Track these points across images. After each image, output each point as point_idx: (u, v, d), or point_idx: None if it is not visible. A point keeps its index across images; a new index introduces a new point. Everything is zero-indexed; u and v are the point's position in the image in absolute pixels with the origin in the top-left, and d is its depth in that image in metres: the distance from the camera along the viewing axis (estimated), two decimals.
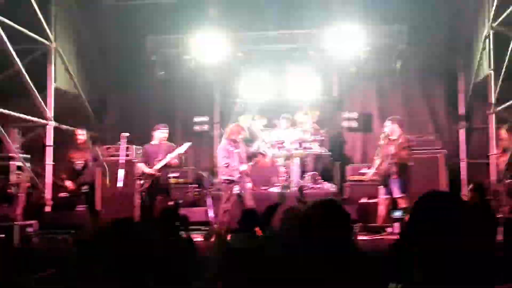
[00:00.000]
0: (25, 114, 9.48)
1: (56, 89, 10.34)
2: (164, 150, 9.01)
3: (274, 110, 11.56)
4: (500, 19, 9.09)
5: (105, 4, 11.79)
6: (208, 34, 11.02)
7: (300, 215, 2.73)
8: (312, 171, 10.69)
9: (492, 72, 9.42)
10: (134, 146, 10.19)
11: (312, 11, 11.34)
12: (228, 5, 11.34)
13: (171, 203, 8.77)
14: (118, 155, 9.12)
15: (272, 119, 11.38)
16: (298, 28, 11.43)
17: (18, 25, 9.19)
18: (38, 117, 9.87)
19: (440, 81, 11.73)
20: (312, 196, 9.12)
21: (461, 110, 11.32)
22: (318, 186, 10.52)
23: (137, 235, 3.08)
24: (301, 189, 9.71)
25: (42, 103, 9.83)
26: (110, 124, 12.23)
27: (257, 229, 6.27)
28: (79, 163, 9.25)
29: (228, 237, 6.43)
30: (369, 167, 9.44)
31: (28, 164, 9.34)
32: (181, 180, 10.80)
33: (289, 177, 10.43)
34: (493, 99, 9.41)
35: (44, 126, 10.06)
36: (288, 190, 9.97)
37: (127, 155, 9.36)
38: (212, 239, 8.05)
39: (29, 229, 8.30)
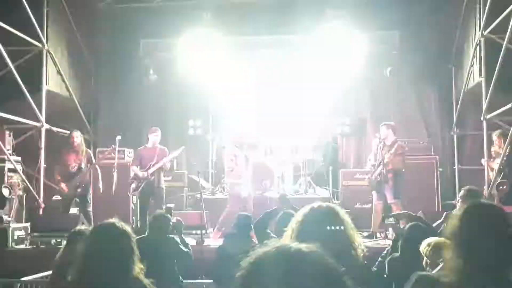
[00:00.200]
0: (17, 116, 9.43)
1: (48, 92, 10.28)
2: (157, 154, 9.00)
3: (268, 115, 11.58)
4: (491, 27, 9.17)
5: (98, 7, 11.77)
6: (201, 38, 11.02)
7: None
8: (305, 176, 10.71)
9: (483, 79, 9.49)
10: (126, 149, 10.19)
11: (305, 16, 11.37)
12: (221, 10, 11.35)
13: (164, 207, 8.74)
14: (111, 158, 9.10)
15: (266, 124, 11.39)
16: (291, 33, 11.48)
17: (11, 27, 9.15)
18: (31, 120, 9.81)
19: (432, 87, 11.81)
20: (305, 201, 9.11)
21: (454, 116, 11.38)
22: (312, 191, 10.54)
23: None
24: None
25: (34, 106, 9.77)
26: (102, 127, 12.18)
27: (251, 233, 6.28)
28: (73, 166, 9.20)
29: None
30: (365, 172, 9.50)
31: (20, 167, 9.28)
32: (174, 183, 10.78)
33: (283, 182, 10.45)
34: (484, 105, 9.48)
35: (36, 129, 10.00)
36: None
37: (120, 158, 9.33)
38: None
39: (22, 232, 8.26)
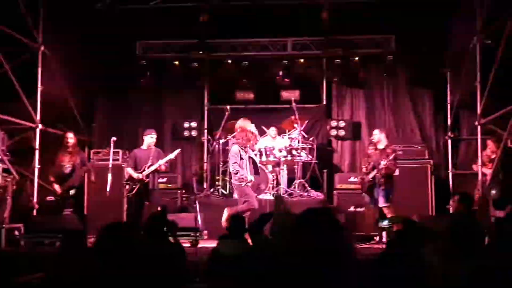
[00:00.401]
0: (12, 117, 9.41)
1: (44, 92, 10.26)
2: (152, 155, 9.00)
3: (263, 117, 11.59)
4: (487, 32, 9.21)
5: (95, 8, 11.75)
6: (197, 40, 11.03)
7: (290, 224, 2.70)
8: (300, 179, 10.72)
9: (479, 84, 9.53)
10: (121, 151, 10.19)
11: (302, 19, 11.41)
12: (218, 12, 11.36)
13: (159, 208, 8.74)
14: (106, 160, 9.10)
15: (261, 127, 11.39)
16: (287, 36, 11.51)
17: (6, 27, 9.13)
18: (26, 120, 9.79)
19: (428, 91, 11.84)
20: (300, 204, 9.13)
21: (448, 121, 11.43)
22: (306, 194, 10.55)
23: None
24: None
25: (30, 107, 9.75)
26: (98, 128, 12.16)
27: (246, 236, 6.28)
28: (67, 167, 9.19)
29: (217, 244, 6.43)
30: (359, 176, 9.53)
31: (14, 167, 9.26)
32: (169, 185, 10.77)
33: (278, 184, 10.44)
34: (479, 111, 9.52)
35: (31, 129, 9.97)
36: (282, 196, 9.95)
37: (115, 160, 9.32)
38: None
39: (16, 233, 8.24)
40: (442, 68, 11.58)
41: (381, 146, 8.92)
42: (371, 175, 8.72)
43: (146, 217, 6.81)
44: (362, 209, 9.29)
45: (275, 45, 11.64)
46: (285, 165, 10.70)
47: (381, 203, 8.67)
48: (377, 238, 8.62)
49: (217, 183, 11.05)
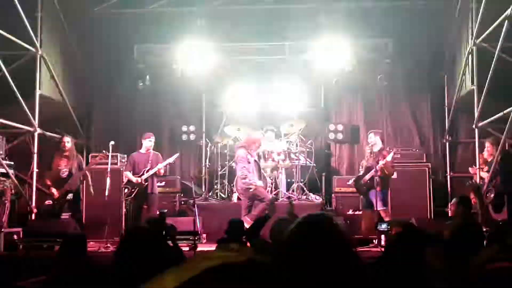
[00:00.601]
0: (10, 121, 9.40)
1: (42, 96, 10.26)
2: (151, 159, 9.00)
3: (261, 121, 11.61)
4: (484, 35, 9.24)
5: (93, 12, 11.77)
6: (195, 44, 11.05)
7: (288, 232, 2.66)
8: (298, 183, 10.73)
9: (475, 87, 9.56)
10: (119, 155, 10.18)
11: (299, 23, 11.45)
12: (215, 16, 11.39)
13: (157, 212, 8.74)
14: (104, 164, 9.09)
15: (259, 130, 11.40)
16: (285, 40, 11.54)
17: (4, 31, 9.13)
18: (24, 124, 9.78)
19: (425, 94, 11.88)
20: (298, 208, 9.12)
21: (446, 124, 11.46)
22: (304, 197, 10.56)
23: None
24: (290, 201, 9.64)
25: (28, 110, 9.75)
26: (96, 132, 12.16)
27: (244, 239, 6.28)
28: (64, 171, 9.18)
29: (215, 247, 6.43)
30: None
31: (12, 171, 9.26)
32: (168, 189, 10.78)
33: (276, 188, 10.46)
34: (476, 113, 9.54)
35: (29, 133, 9.97)
36: (276, 202, 9.98)
37: (113, 164, 9.32)
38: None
39: (14, 237, 8.23)
40: (439, 71, 11.62)
41: (376, 148, 8.95)
42: (367, 177, 8.73)
43: (144, 221, 6.84)
44: (360, 212, 9.29)
45: (272, 48, 11.64)
46: (283, 169, 10.72)
47: (379, 206, 8.68)
48: (375, 241, 8.62)
49: (215, 186, 11.06)
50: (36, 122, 9.95)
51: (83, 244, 5.08)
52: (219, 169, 11.09)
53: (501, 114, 8.63)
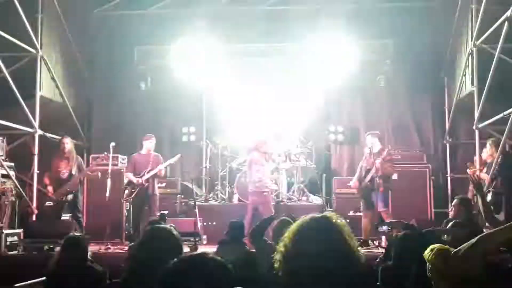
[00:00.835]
0: (11, 122, 9.40)
1: (42, 98, 10.27)
2: (151, 160, 9.00)
3: (261, 122, 11.61)
4: (484, 36, 9.25)
5: (93, 14, 11.79)
6: (195, 45, 11.07)
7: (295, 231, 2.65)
8: (299, 184, 10.73)
9: (475, 88, 9.57)
10: (120, 156, 10.18)
11: (299, 25, 11.45)
12: (216, 17, 11.40)
13: (158, 213, 8.74)
14: (105, 165, 9.10)
15: (259, 131, 11.40)
16: (284, 42, 11.55)
17: (5, 32, 9.14)
18: (24, 125, 9.79)
19: (425, 96, 11.89)
20: (299, 209, 9.14)
21: (446, 125, 11.46)
22: (305, 198, 10.56)
23: None
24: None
25: (28, 112, 9.75)
26: (96, 133, 12.17)
27: (245, 240, 6.29)
28: (64, 172, 9.18)
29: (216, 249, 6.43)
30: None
31: (13, 173, 9.26)
32: (168, 190, 10.78)
33: (277, 189, 10.46)
34: (477, 115, 9.55)
35: (30, 135, 9.98)
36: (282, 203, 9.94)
37: (114, 165, 9.33)
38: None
39: (15, 238, 8.23)
40: (440, 72, 11.63)
41: (374, 150, 8.96)
42: (367, 178, 8.73)
43: (145, 222, 6.84)
44: (360, 214, 9.29)
45: (274, 49, 11.65)
46: (283, 170, 10.72)
47: (380, 207, 8.67)
48: (376, 243, 8.62)
49: (216, 188, 11.06)
50: (36, 124, 9.95)
51: (84, 245, 5.09)
52: (219, 170, 11.09)
53: (501, 115, 8.63)
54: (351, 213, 9.80)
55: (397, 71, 11.58)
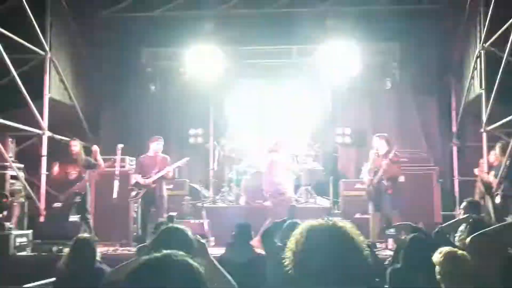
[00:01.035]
0: (19, 123, 9.46)
1: (51, 99, 10.33)
2: (159, 162, 9.02)
3: (268, 124, 11.64)
4: (492, 39, 9.24)
5: (101, 16, 11.83)
6: (203, 47, 11.11)
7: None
8: (306, 186, 10.73)
9: (483, 91, 9.55)
10: (128, 158, 10.21)
11: (306, 27, 11.45)
12: (223, 20, 11.42)
13: (165, 215, 8.77)
14: (112, 167, 9.13)
15: (266, 133, 11.43)
16: (292, 44, 11.57)
17: (14, 34, 9.20)
18: (33, 127, 9.85)
19: (432, 98, 11.87)
20: (306, 211, 9.14)
21: (454, 128, 11.44)
22: (312, 201, 10.56)
23: None
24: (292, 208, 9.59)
25: (37, 113, 9.81)
26: (104, 135, 12.21)
27: (252, 242, 6.30)
28: (72, 173, 9.21)
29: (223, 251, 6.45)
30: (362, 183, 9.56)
31: (22, 174, 9.31)
32: (175, 192, 10.80)
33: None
34: (484, 117, 9.54)
35: (38, 136, 10.03)
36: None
37: (121, 167, 9.36)
38: None
39: (24, 239, 8.27)
40: (447, 75, 11.61)
41: (381, 152, 8.95)
42: (375, 179, 8.72)
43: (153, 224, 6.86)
44: (368, 216, 9.27)
45: (280, 51, 11.68)
46: (291, 172, 10.71)
47: (389, 210, 8.64)
48: (383, 245, 8.61)
49: (223, 189, 11.08)
50: (45, 125, 10.02)
51: (93, 246, 5.11)
52: (226, 173, 11.11)
53: (509, 118, 8.61)
54: (358, 215, 9.79)
55: (404, 74, 11.57)
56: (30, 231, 8.55)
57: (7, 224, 8.28)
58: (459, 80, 11.20)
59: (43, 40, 10.05)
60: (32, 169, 9.98)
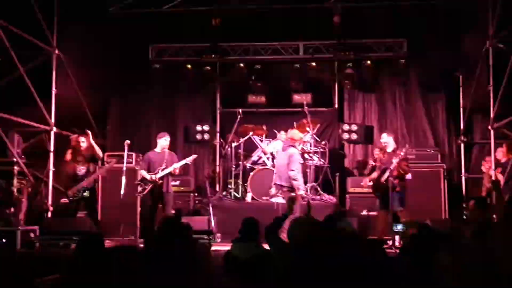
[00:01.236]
0: (27, 119, 9.49)
1: (58, 96, 10.36)
2: (166, 158, 9.02)
3: (275, 121, 11.63)
4: (500, 36, 9.19)
5: (109, 12, 11.83)
6: (210, 43, 11.11)
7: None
8: (313, 183, 10.71)
9: (491, 88, 9.51)
10: (135, 154, 10.23)
11: (313, 23, 11.43)
12: (231, 16, 11.41)
13: (172, 211, 8.79)
14: (120, 162, 9.14)
15: (272, 130, 11.42)
16: (299, 40, 11.55)
17: (22, 31, 9.23)
18: (40, 123, 9.88)
19: (440, 95, 11.82)
20: (313, 208, 9.10)
21: (461, 125, 11.39)
22: (318, 197, 10.54)
23: None
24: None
25: (44, 109, 9.84)
26: (111, 131, 12.24)
27: (259, 238, 6.30)
28: (81, 168, 9.24)
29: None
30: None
31: (29, 170, 9.35)
32: (182, 188, 10.82)
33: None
34: (492, 115, 9.49)
35: (46, 132, 10.07)
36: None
37: (129, 163, 9.37)
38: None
39: (31, 235, 8.30)
40: (455, 72, 11.55)
41: (389, 149, 8.92)
42: (383, 177, 8.69)
43: (159, 220, 6.87)
44: (374, 213, 9.26)
45: (287, 48, 11.67)
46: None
47: (396, 207, 8.61)
48: (390, 242, 8.58)
49: (229, 186, 11.09)
50: (52, 121, 10.05)
51: (100, 242, 5.11)
52: (233, 169, 11.12)
53: None
54: (364, 212, 9.77)
55: (412, 70, 11.54)
56: (37, 227, 8.58)
57: (15, 220, 8.33)
58: (467, 77, 11.14)
59: (50, 37, 10.07)
60: (39, 165, 10.02)
